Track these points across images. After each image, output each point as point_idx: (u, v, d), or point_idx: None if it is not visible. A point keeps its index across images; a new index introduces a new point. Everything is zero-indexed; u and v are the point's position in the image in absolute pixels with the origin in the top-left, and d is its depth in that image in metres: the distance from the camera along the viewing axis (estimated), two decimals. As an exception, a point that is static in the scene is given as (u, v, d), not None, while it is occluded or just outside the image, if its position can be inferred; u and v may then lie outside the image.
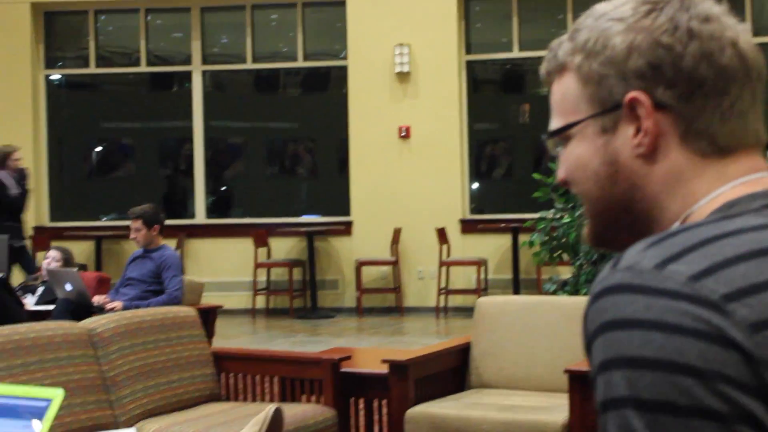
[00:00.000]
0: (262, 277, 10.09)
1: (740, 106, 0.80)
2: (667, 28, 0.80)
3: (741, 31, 0.82)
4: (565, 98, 0.86)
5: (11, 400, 2.01)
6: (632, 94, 0.80)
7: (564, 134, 0.87)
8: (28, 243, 8.52)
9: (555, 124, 0.88)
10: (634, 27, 0.81)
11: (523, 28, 10.24)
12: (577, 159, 0.86)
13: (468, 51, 10.34)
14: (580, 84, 0.84)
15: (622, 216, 0.85)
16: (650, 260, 0.68)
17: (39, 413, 1.94)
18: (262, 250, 9.97)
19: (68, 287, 6.14)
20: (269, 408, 2.35)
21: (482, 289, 9.26)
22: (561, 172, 0.90)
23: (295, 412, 3.84)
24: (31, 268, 8.25)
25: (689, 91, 0.79)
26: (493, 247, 9.92)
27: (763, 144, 0.83)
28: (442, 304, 9.58)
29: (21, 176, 8.25)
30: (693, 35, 0.79)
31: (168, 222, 7.48)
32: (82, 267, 7.82)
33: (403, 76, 9.95)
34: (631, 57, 0.80)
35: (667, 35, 0.79)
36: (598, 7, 0.85)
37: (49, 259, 6.79)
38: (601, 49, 0.82)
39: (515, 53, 10.34)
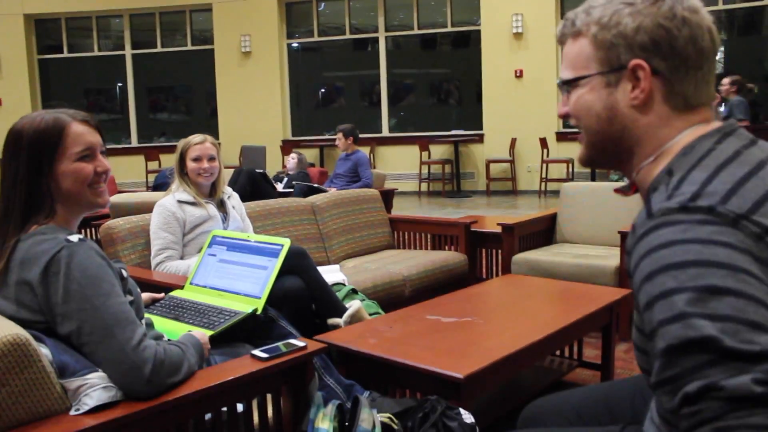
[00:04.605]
0: (424, 170, 11.65)
1: (707, 77, 0.93)
2: (667, 15, 0.90)
3: (712, 21, 0.92)
4: (579, 56, 0.98)
5: (260, 244, 2.54)
6: (636, 60, 0.90)
7: (575, 83, 0.98)
8: None
9: (567, 74, 1.00)
10: (641, 11, 0.91)
11: (597, 3, 11.53)
12: (584, 102, 0.98)
13: (562, 18, 10.93)
14: (593, 48, 0.96)
15: (611, 147, 0.99)
16: (674, 204, 0.80)
17: (275, 253, 2.46)
18: (425, 153, 11.51)
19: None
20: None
21: (569, 178, 10.39)
22: (564, 109, 1.03)
23: (441, 256, 4.25)
24: None
25: (677, 64, 0.91)
26: (577, 150, 10.76)
27: (713, 100, 0.95)
28: (542, 188, 10.95)
29: None
30: (686, 22, 0.90)
31: (364, 135, 9.15)
32: (311, 165, 8.96)
33: (517, 36, 11.26)
34: (638, 33, 0.90)
35: (668, 20, 0.90)
36: None
37: (290, 160, 7.46)
38: (614, 24, 0.93)
39: (593, 20, 11.58)
